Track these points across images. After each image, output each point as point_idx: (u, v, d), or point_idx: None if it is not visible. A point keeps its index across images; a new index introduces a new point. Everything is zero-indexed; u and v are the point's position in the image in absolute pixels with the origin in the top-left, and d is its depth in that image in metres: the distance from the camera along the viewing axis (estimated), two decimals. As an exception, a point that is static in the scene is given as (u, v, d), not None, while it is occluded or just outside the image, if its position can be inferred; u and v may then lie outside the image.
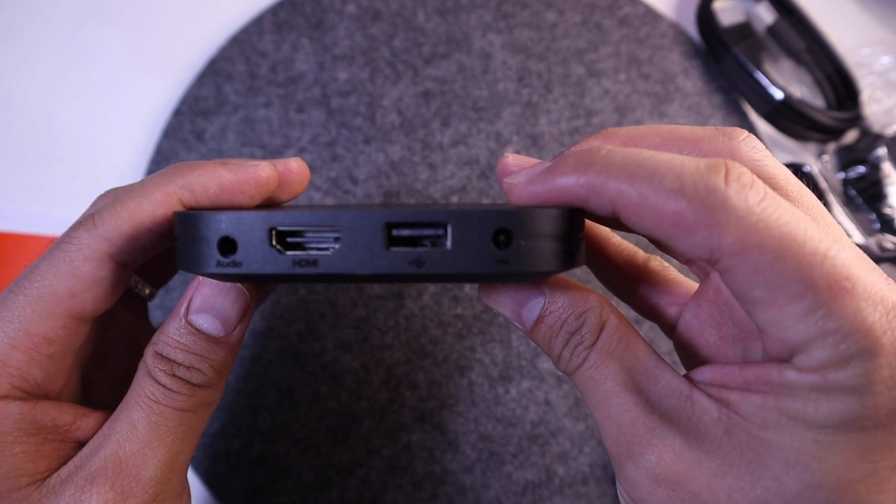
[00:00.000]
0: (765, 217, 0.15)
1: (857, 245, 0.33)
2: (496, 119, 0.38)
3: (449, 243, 0.16)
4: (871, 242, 0.34)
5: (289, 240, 0.17)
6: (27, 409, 0.19)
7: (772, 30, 0.39)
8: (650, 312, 0.23)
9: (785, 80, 0.39)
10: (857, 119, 0.37)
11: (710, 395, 0.17)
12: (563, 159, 0.17)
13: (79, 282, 0.19)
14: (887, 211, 0.35)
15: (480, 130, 0.38)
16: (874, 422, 0.15)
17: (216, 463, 0.34)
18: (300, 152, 0.37)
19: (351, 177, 0.37)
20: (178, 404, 0.19)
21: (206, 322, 0.20)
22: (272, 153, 0.37)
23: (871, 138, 0.37)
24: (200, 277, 0.20)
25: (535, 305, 0.19)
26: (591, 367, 0.18)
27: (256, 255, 0.17)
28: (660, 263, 0.23)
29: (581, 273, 0.37)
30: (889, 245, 0.34)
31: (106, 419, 0.20)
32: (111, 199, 0.20)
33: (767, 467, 0.16)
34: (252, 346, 0.35)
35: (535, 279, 0.19)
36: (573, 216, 0.17)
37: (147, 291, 0.26)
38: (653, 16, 0.40)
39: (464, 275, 0.17)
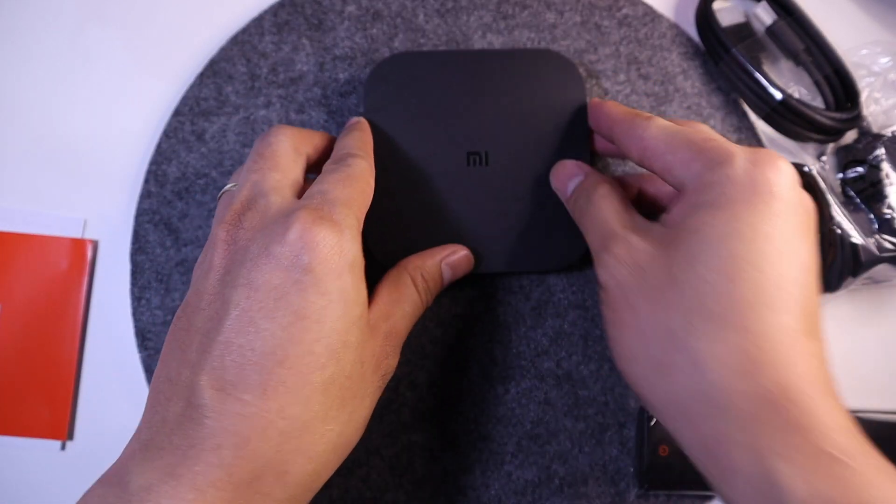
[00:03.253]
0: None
1: (856, 245, 0.34)
2: (496, 119, 0.38)
3: None
4: (870, 242, 0.34)
5: None
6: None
7: (771, 30, 0.39)
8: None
9: (784, 81, 0.39)
10: (855, 120, 0.37)
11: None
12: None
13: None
14: (886, 211, 0.35)
15: (480, 131, 0.38)
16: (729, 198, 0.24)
17: (216, 463, 0.34)
18: (300, 153, 0.37)
19: (351, 177, 0.37)
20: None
21: (446, 273, 0.33)
22: (272, 153, 0.37)
23: (870, 139, 0.37)
24: (459, 249, 0.34)
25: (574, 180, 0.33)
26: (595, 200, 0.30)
27: None
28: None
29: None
30: (888, 245, 0.34)
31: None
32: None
33: (683, 240, 0.25)
34: (252, 346, 0.35)
35: None
36: None
37: None
38: (652, 16, 0.40)
39: None
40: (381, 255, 0.34)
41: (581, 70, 0.39)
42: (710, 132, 0.28)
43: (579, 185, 0.32)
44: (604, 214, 0.28)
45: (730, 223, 0.23)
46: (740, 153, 0.25)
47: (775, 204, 0.23)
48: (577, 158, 0.35)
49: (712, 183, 0.24)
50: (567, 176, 0.33)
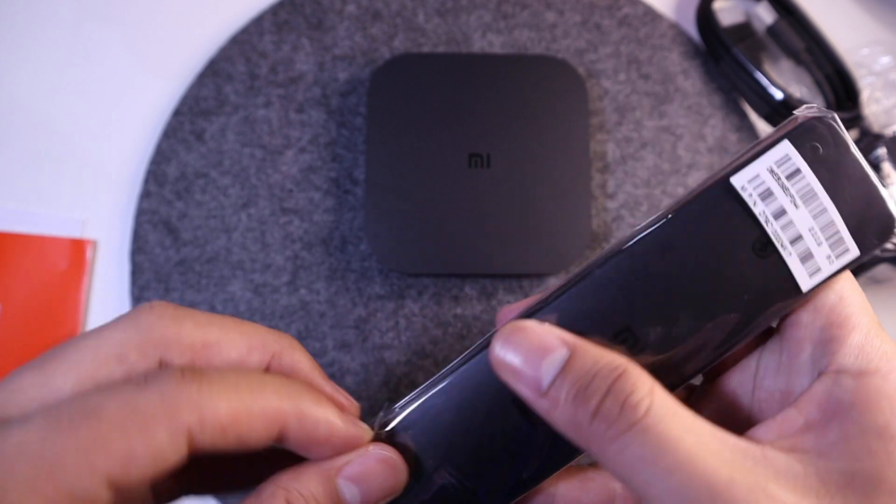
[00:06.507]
0: None
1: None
2: (496, 119, 0.38)
3: None
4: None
5: None
6: None
7: (771, 30, 0.39)
8: None
9: (785, 81, 0.39)
10: (856, 119, 0.37)
11: (781, 450, 0.17)
12: None
13: (143, 448, 0.15)
14: (887, 211, 0.35)
15: (480, 131, 0.38)
16: None
17: (216, 463, 0.34)
18: (300, 152, 0.37)
19: (351, 177, 0.37)
20: None
21: (350, 493, 0.18)
22: (272, 153, 0.37)
23: (871, 138, 0.37)
24: (370, 448, 0.18)
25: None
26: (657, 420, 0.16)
27: None
28: None
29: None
30: (889, 245, 0.34)
31: None
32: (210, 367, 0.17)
33: (874, 486, 0.16)
34: (252, 346, 0.35)
35: None
36: None
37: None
38: (652, 16, 0.40)
39: None
40: (381, 257, 0.34)
41: (581, 70, 0.39)
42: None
43: (572, 378, 0.17)
44: (684, 452, 0.16)
45: None
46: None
47: None
48: (577, 164, 0.35)
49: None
50: (534, 352, 0.18)
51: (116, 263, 0.37)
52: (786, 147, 0.18)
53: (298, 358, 0.19)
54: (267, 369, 0.19)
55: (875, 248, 0.18)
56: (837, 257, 0.18)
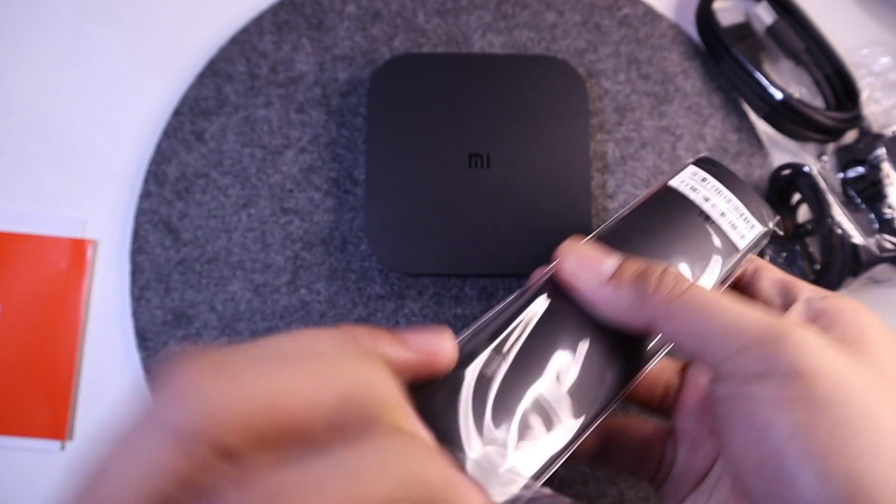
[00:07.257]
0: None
1: (856, 245, 0.34)
2: (496, 119, 0.38)
3: None
4: (871, 243, 0.34)
5: None
6: None
7: (771, 30, 0.39)
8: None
9: (784, 81, 0.39)
10: (856, 119, 0.37)
11: None
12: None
13: None
14: (886, 211, 0.35)
15: (480, 131, 0.38)
16: None
17: (216, 463, 0.34)
18: (301, 152, 0.37)
19: (351, 177, 0.37)
20: None
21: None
22: (272, 153, 0.37)
23: (871, 139, 0.37)
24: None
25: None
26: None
27: None
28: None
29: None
30: (888, 245, 0.34)
31: None
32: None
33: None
34: (252, 346, 0.35)
35: None
36: None
37: None
38: (652, 16, 0.40)
39: None
40: (381, 257, 0.34)
41: (581, 70, 0.39)
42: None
43: (631, 266, 0.23)
44: (729, 300, 0.21)
45: None
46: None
47: None
48: (577, 163, 0.35)
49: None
50: (595, 256, 0.23)
51: (116, 263, 0.37)
52: (692, 168, 0.27)
53: (382, 392, 0.17)
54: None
55: (769, 225, 0.26)
56: (750, 229, 0.26)
